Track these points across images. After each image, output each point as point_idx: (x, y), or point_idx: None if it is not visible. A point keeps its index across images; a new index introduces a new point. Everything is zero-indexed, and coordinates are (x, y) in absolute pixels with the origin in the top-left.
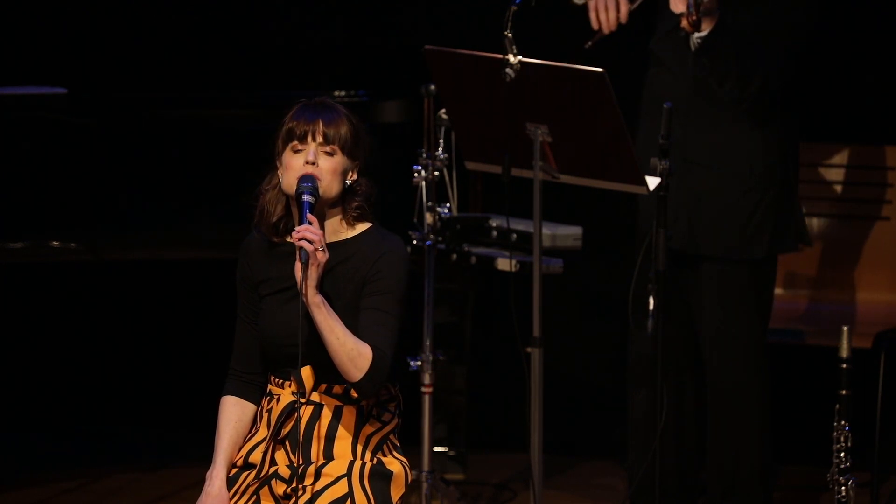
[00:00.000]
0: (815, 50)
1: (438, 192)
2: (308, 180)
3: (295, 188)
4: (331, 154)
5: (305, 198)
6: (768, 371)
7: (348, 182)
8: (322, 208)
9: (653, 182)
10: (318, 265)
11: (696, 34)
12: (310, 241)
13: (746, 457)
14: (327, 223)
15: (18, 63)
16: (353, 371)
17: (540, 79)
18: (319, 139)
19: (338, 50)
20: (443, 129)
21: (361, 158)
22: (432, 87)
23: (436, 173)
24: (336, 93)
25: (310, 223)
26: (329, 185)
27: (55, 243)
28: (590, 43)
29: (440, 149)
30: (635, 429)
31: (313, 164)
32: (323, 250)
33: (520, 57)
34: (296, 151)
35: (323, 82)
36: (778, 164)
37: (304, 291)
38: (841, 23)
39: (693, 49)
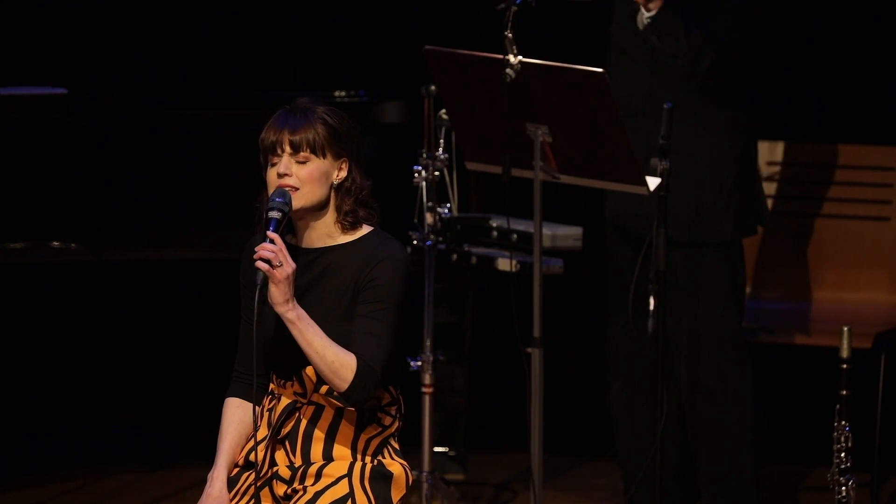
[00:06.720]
0: (815, 50)
1: (439, 193)
2: (280, 195)
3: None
4: (304, 162)
5: (270, 214)
6: (748, 357)
7: (335, 182)
8: (306, 216)
9: (653, 182)
10: (284, 279)
11: (646, 14)
12: (266, 260)
13: (733, 448)
14: (316, 228)
15: (18, 63)
16: (336, 382)
17: (540, 79)
18: (288, 149)
19: (338, 50)
20: (443, 130)
21: (348, 154)
22: (432, 87)
23: (436, 173)
24: (336, 93)
25: (271, 240)
26: (309, 193)
27: (55, 243)
28: None
29: (440, 149)
30: (619, 421)
31: (286, 175)
32: (280, 265)
33: (520, 57)
34: (272, 165)
35: (323, 82)
36: (738, 148)
37: (256, 310)
38: (840, 22)
39: (641, 27)
